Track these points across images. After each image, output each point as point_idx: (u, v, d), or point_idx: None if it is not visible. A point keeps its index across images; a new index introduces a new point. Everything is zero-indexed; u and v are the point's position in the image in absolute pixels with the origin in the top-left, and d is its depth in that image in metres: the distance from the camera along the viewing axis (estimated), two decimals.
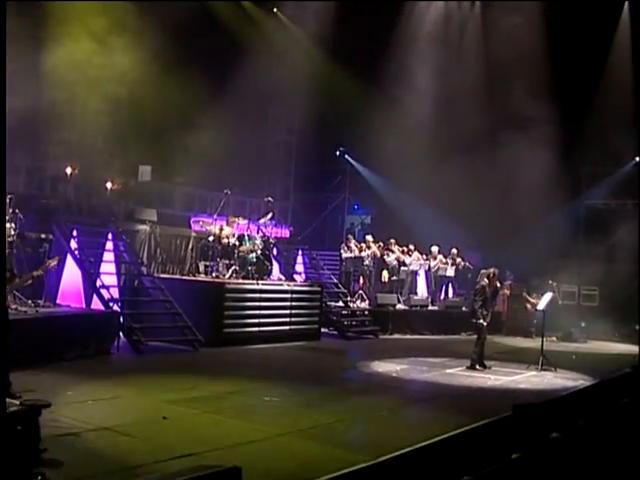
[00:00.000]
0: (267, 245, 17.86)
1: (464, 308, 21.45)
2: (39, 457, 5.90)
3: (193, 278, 16.79)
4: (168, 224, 18.47)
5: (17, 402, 6.12)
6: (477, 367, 14.23)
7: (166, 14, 17.30)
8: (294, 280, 19.08)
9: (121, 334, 13.67)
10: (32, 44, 15.45)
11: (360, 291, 21.42)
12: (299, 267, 20.88)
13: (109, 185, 18.17)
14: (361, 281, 21.81)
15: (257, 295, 16.48)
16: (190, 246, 18.35)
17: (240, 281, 16.56)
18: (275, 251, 19.15)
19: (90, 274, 14.60)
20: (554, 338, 20.38)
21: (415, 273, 22.67)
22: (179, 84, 17.48)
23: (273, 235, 19.65)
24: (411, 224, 23.95)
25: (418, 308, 21.78)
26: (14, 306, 11.63)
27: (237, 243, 17.13)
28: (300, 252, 21.33)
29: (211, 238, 17.06)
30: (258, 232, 17.98)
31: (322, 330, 18.38)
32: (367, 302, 21.03)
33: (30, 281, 10.68)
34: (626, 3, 24.24)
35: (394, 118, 22.91)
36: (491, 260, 19.92)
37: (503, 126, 22.30)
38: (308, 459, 7.47)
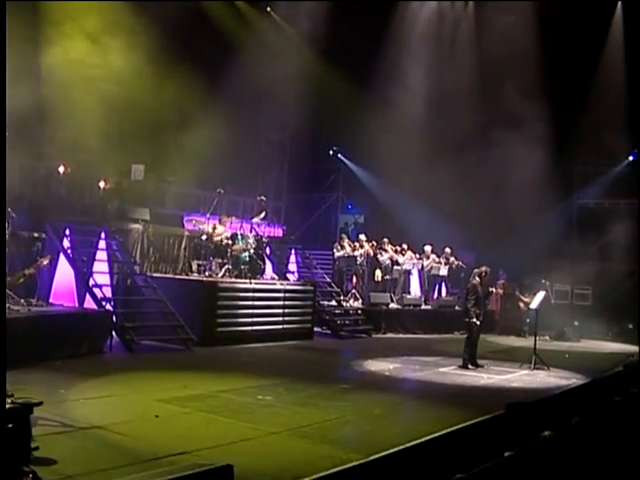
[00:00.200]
0: (260, 244, 17.85)
1: (457, 307, 21.51)
2: (30, 455, 5.89)
3: (186, 277, 16.77)
4: (161, 223, 18.41)
5: (9, 400, 6.09)
6: (469, 366, 14.25)
7: (160, 14, 17.31)
8: (287, 279, 19.08)
9: (114, 333, 13.66)
10: (26, 43, 15.37)
11: (353, 290, 21.45)
12: (292, 266, 20.84)
13: (102, 184, 18.11)
14: (354, 280, 21.84)
15: (250, 294, 16.48)
16: (183, 245, 18.30)
17: (233, 280, 16.56)
18: (268, 250, 19.13)
19: (83, 273, 14.56)
20: (547, 337, 20.40)
21: (408, 272, 22.68)
22: (173, 84, 17.50)
23: (266, 234, 19.68)
24: (404, 223, 24.02)
25: (411, 307, 21.79)
26: (6, 305, 11.59)
27: (230, 242, 17.13)
28: (293, 251, 21.30)
29: (204, 237, 17.08)
30: (251, 231, 17.97)
31: (315, 329, 18.40)
32: (360, 301, 21.07)
33: (22, 279, 10.67)
34: (619, 3, 24.31)
35: (387, 117, 22.93)
36: (484, 259, 19.91)
37: (496, 125, 22.33)
38: (301, 457, 7.45)
